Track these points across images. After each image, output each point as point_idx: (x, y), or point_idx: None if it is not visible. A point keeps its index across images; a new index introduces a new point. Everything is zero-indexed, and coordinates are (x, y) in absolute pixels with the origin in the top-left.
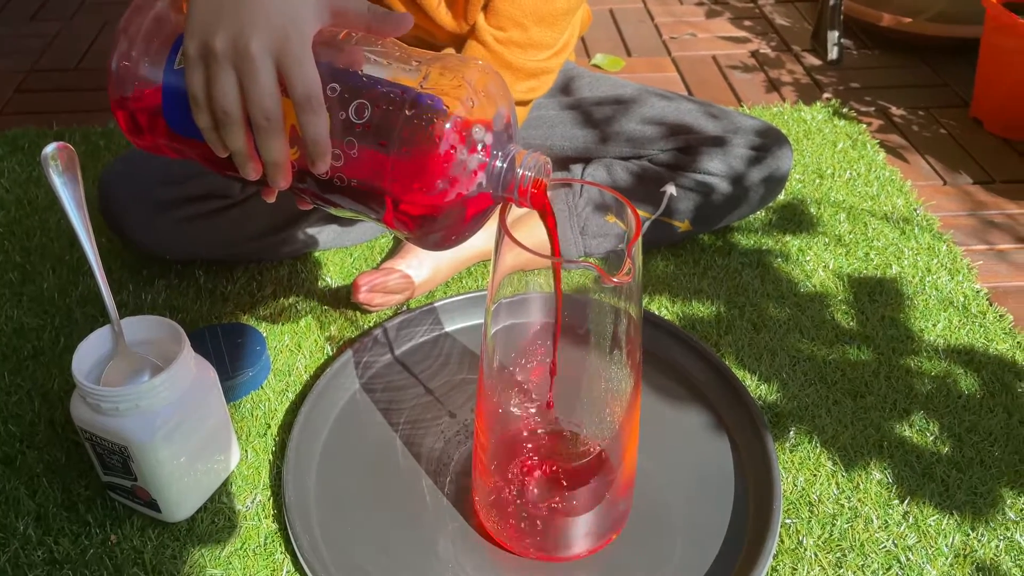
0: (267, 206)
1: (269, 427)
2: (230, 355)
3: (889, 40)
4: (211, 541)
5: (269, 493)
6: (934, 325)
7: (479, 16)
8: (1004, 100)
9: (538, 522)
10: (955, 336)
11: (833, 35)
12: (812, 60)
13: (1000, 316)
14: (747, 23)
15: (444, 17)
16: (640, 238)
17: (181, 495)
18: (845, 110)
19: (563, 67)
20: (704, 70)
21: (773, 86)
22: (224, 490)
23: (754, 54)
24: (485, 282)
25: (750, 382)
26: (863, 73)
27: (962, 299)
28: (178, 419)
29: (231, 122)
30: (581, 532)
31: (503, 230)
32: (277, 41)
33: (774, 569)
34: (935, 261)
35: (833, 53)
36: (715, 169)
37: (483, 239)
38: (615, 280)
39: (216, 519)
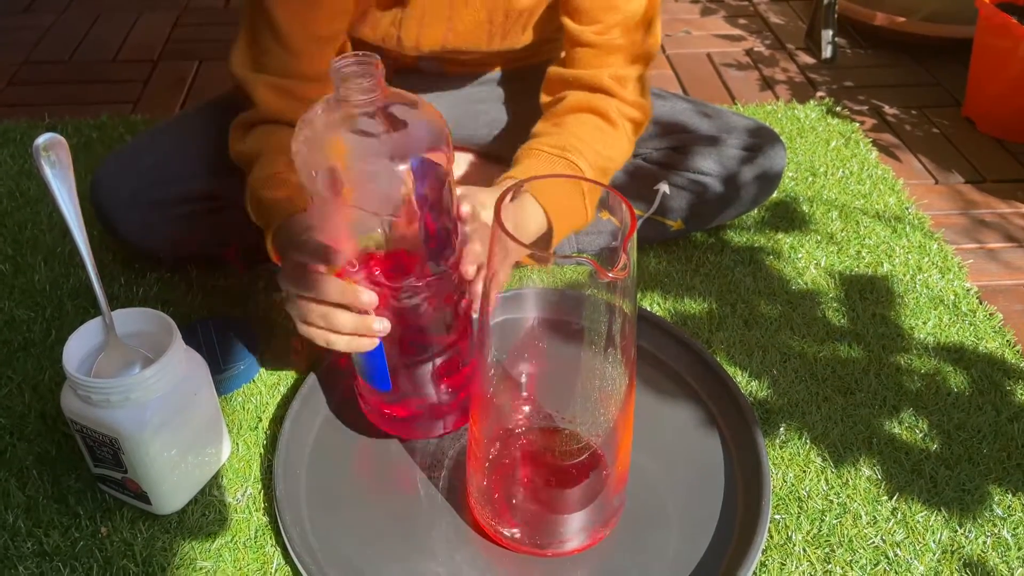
0: None
1: (260, 420)
2: (222, 349)
3: (883, 39)
4: (202, 534)
5: (260, 486)
6: (924, 323)
7: (569, 24)
8: (996, 100)
9: (532, 517)
10: (945, 334)
11: (827, 34)
12: (806, 58)
13: (990, 314)
14: (741, 21)
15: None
16: (634, 234)
17: (172, 487)
18: (838, 109)
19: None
20: (698, 68)
21: (767, 84)
22: (215, 483)
23: (748, 52)
24: None
25: (741, 379)
26: (857, 72)
27: (952, 297)
28: (169, 411)
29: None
30: (575, 528)
31: (499, 225)
32: None
33: (763, 564)
34: (926, 259)
35: (827, 52)
36: (708, 168)
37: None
38: (610, 275)
39: (207, 512)
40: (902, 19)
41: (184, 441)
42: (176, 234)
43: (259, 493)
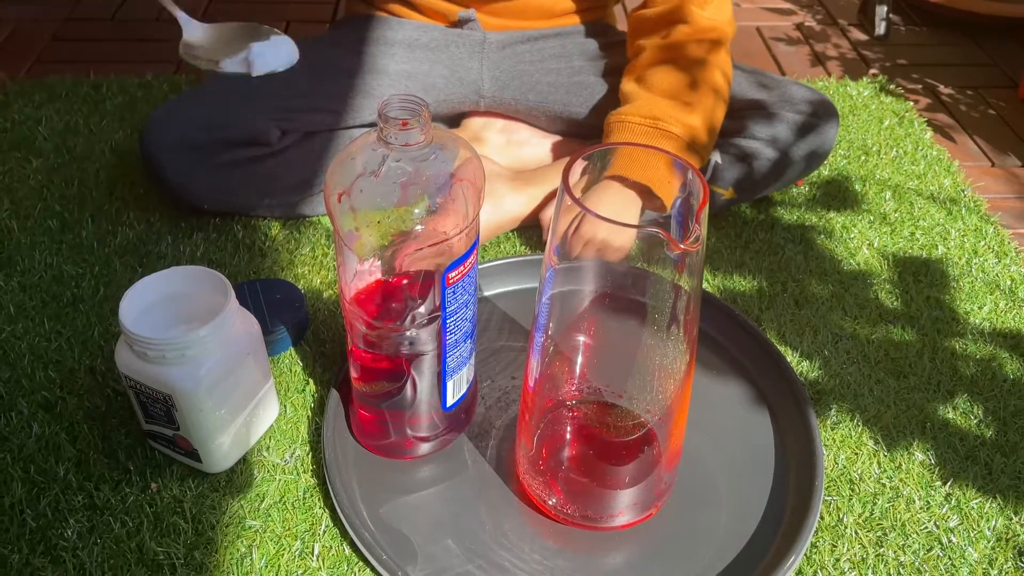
0: (303, 157)
1: (308, 383)
2: (269, 310)
3: (938, 17)
4: (251, 493)
5: (308, 448)
6: (980, 308)
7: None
8: None
9: (581, 491)
10: (1001, 320)
11: (881, 10)
12: (858, 35)
13: None
14: None
15: None
16: (708, 205)
17: (222, 446)
18: (892, 87)
19: (597, 27)
20: (748, 42)
21: (818, 60)
22: (264, 443)
23: (799, 27)
24: (524, 247)
25: (792, 358)
26: (911, 50)
27: (1009, 282)
28: (222, 370)
29: None
30: (624, 503)
31: (567, 192)
32: None
33: (814, 545)
34: (982, 243)
35: (880, 28)
36: (762, 135)
37: (520, 204)
38: (682, 246)
39: (256, 471)
40: None
41: (235, 401)
42: (219, 182)
43: (307, 455)
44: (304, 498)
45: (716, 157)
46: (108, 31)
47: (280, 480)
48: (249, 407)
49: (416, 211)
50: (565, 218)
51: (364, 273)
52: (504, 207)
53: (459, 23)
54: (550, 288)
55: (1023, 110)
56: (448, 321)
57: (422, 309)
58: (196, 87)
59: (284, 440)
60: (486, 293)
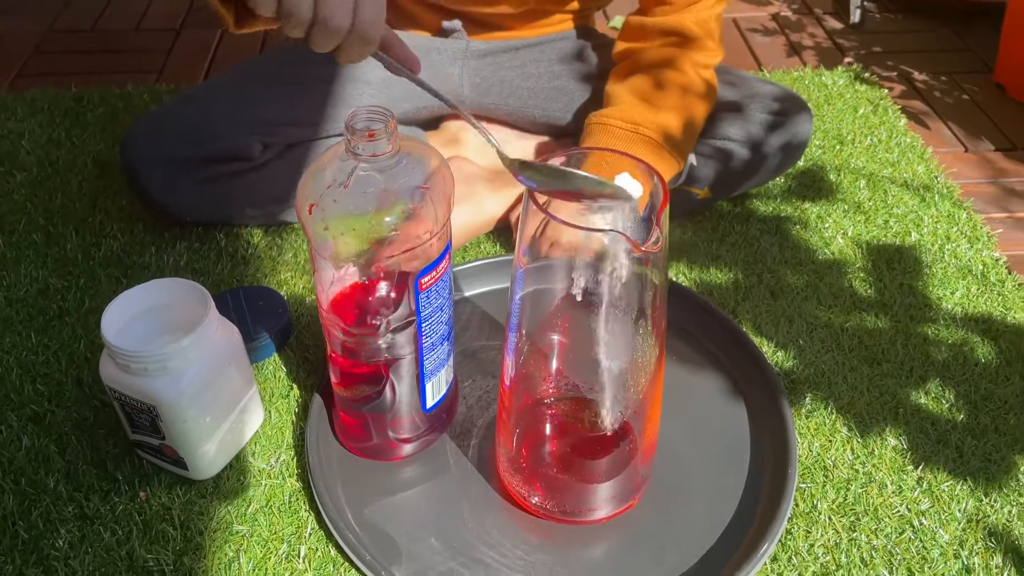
0: (285, 169)
1: (292, 388)
2: (252, 317)
3: (913, 4)
4: (237, 498)
5: (292, 453)
6: (952, 293)
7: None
8: None
9: (560, 486)
10: (973, 304)
11: None
12: (834, 24)
13: (1019, 284)
14: None
15: None
16: (667, 207)
17: (208, 454)
18: (867, 75)
19: (578, 32)
20: (724, 33)
21: (794, 50)
22: (249, 449)
23: (775, 17)
24: (503, 247)
25: (767, 348)
26: (886, 37)
27: (981, 267)
28: (205, 380)
29: None
30: (603, 497)
31: (531, 198)
32: None
33: (788, 532)
34: (955, 229)
35: (856, 17)
36: (734, 134)
37: (498, 205)
38: (644, 248)
39: (242, 477)
40: None
41: (219, 409)
42: (201, 196)
43: (292, 459)
44: (290, 502)
45: (691, 158)
46: (88, 42)
47: (266, 485)
48: (233, 414)
49: (387, 219)
50: (532, 221)
51: (339, 282)
52: (483, 208)
53: (444, 33)
54: (520, 288)
55: (997, 95)
56: (423, 325)
57: (397, 314)
58: (176, 98)
59: (269, 445)
60: (466, 293)
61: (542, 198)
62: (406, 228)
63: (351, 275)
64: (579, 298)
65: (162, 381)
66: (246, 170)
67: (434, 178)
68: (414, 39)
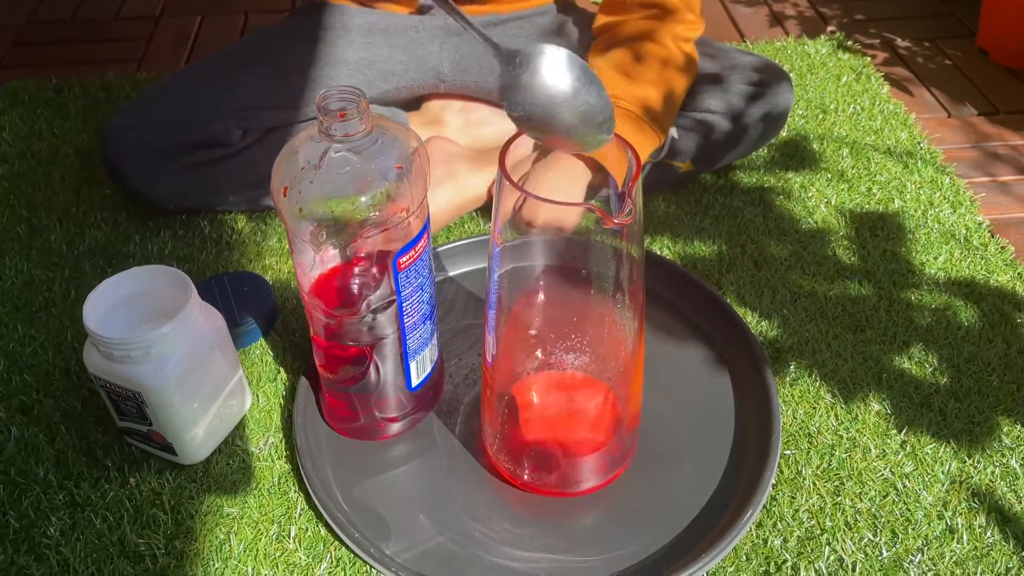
0: (266, 154)
1: (279, 372)
2: (238, 303)
3: None
4: (227, 482)
5: (281, 435)
6: (935, 258)
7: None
8: (1010, 27)
9: (546, 459)
10: (956, 269)
11: None
12: None
13: (1001, 248)
14: None
15: None
16: (640, 179)
17: (196, 438)
18: (849, 43)
19: (558, 7)
20: (706, 5)
21: (776, 20)
22: (238, 433)
23: None
24: (487, 226)
25: (751, 319)
26: (868, 5)
27: (964, 232)
28: (189, 365)
29: None
30: (589, 468)
31: (503, 174)
32: None
33: (773, 499)
34: (938, 194)
35: None
36: (714, 106)
37: (480, 183)
38: (616, 221)
39: (231, 461)
40: None
41: (206, 393)
42: (182, 183)
43: (280, 442)
44: (279, 483)
45: (672, 132)
46: (68, 32)
47: (255, 468)
48: (220, 399)
49: (363, 199)
50: (506, 198)
51: (319, 264)
52: (465, 187)
53: (422, 10)
54: (498, 266)
55: (980, 59)
56: (404, 305)
57: (378, 294)
58: (155, 86)
59: (258, 429)
60: (451, 273)
61: (516, 176)
62: (383, 208)
63: (330, 257)
64: (557, 273)
65: (146, 367)
66: (226, 156)
67: (409, 157)
68: (392, 17)
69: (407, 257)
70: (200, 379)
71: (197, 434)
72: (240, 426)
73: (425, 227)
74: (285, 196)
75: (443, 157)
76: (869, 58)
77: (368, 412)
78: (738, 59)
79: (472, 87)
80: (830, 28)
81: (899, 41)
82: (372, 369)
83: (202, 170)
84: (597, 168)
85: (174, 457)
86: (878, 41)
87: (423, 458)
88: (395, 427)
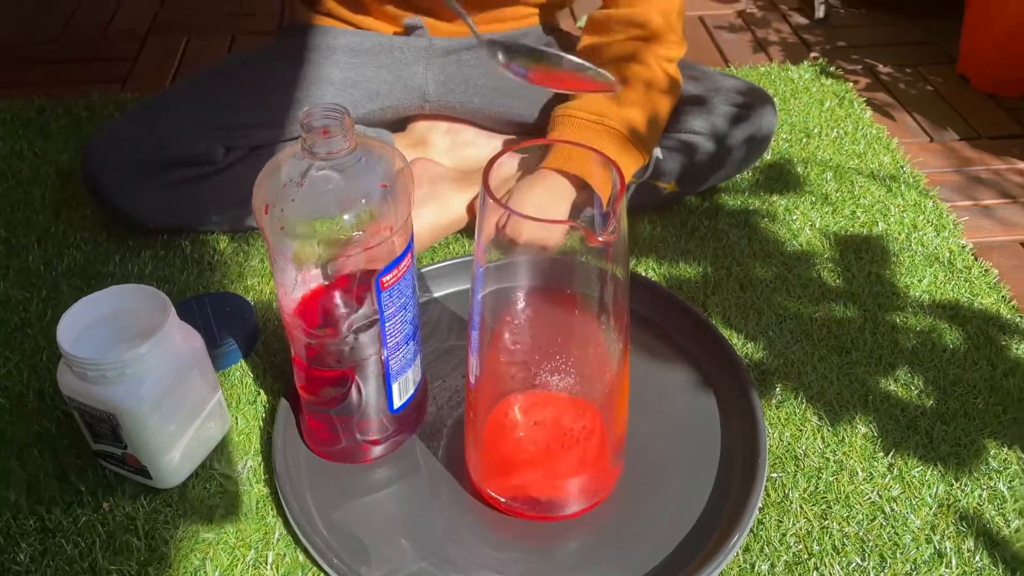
0: (249, 172)
1: (259, 394)
2: (218, 324)
3: None
4: (203, 506)
5: (260, 459)
6: (920, 281)
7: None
8: (990, 55)
9: (530, 483)
10: (940, 291)
11: None
12: (799, 19)
13: (985, 271)
14: None
15: None
16: (625, 198)
17: (172, 462)
18: (832, 69)
19: (543, 29)
20: (691, 31)
21: (760, 46)
22: (215, 456)
23: (741, 14)
24: (472, 247)
25: (737, 341)
26: (850, 32)
27: (948, 255)
28: (166, 386)
29: None
30: (573, 492)
31: (487, 194)
32: None
33: (760, 522)
34: (921, 217)
35: (820, 12)
36: (698, 127)
37: (465, 204)
38: (600, 239)
39: (208, 485)
40: None
41: (182, 415)
42: (164, 201)
43: (259, 465)
44: (257, 508)
45: (657, 152)
46: (53, 53)
47: (233, 492)
48: (197, 421)
49: (346, 218)
50: (490, 215)
51: (300, 284)
52: (449, 208)
53: (407, 31)
54: (481, 287)
55: (961, 85)
56: (387, 325)
57: (360, 314)
58: (139, 105)
59: (236, 452)
60: (435, 294)
61: (499, 193)
62: (366, 227)
63: (312, 277)
64: (541, 293)
65: (121, 389)
66: (210, 174)
67: (394, 175)
68: (377, 38)
69: (390, 276)
70: (177, 401)
71: (173, 457)
72: (218, 449)
73: (409, 246)
74: (267, 214)
75: (427, 178)
76: (851, 84)
77: (349, 434)
78: (722, 82)
79: (457, 108)
80: (813, 54)
81: (881, 67)
82: (354, 390)
83: (185, 188)
84: (582, 186)
85: (149, 481)
86: (860, 67)
87: (405, 481)
88: (377, 450)
